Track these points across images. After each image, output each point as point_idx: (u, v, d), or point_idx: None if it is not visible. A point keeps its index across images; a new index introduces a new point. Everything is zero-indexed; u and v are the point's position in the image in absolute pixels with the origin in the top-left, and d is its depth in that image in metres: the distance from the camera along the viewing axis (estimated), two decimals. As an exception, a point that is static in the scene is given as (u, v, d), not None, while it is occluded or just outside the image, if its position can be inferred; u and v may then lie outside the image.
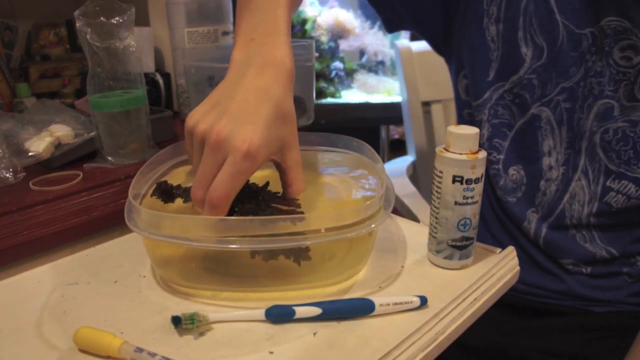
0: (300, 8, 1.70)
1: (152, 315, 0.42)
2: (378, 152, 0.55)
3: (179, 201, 0.48)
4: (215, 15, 0.99)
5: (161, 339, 0.39)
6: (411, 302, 0.42)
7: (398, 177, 1.35)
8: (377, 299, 0.41)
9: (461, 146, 0.45)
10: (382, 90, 1.70)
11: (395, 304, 0.42)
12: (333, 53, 1.73)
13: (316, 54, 1.69)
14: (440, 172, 0.46)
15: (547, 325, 0.67)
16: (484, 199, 0.73)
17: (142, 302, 0.44)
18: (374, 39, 1.76)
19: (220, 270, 0.46)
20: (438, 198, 0.47)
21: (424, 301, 0.42)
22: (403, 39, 1.56)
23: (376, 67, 1.77)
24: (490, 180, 0.72)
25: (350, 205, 0.50)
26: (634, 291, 0.66)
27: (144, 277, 0.48)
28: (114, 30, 0.72)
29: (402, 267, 0.49)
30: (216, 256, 0.46)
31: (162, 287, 0.46)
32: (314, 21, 1.72)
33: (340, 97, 1.69)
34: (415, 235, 0.55)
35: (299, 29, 1.69)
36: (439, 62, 0.86)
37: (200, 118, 0.43)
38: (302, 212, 0.44)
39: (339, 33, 1.74)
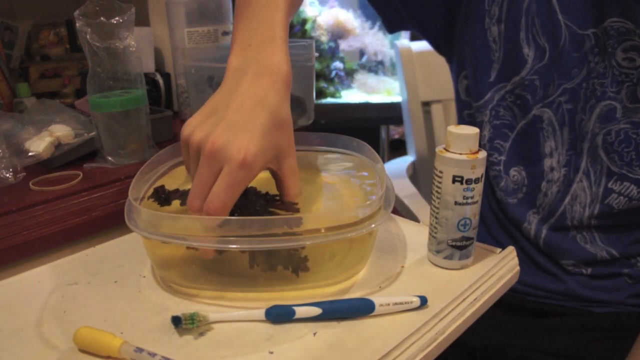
0: (300, 8, 1.70)
1: (152, 315, 0.42)
2: (378, 152, 0.55)
3: (175, 203, 0.48)
4: (215, 15, 0.99)
5: (161, 339, 0.39)
6: (411, 302, 0.42)
7: (398, 177, 1.35)
8: (377, 299, 0.41)
9: (461, 146, 0.45)
10: (382, 90, 1.70)
11: (395, 304, 0.42)
12: (333, 53, 1.73)
13: (316, 54, 1.68)
14: (440, 172, 0.46)
15: (547, 326, 0.67)
16: (484, 200, 0.73)
17: (142, 302, 0.44)
18: (374, 39, 1.76)
19: (220, 270, 0.46)
20: (438, 198, 0.47)
21: (424, 301, 0.42)
22: (403, 39, 1.56)
23: (376, 67, 1.77)
24: (490, 181, 0.72)
25: (350, 205, 0.50)
26: (634, 292, 0.66)
27: (144, 277, 0.48)
28: (114, 30, 0.72)
29: (402, 267, 0.49)
30: (216, 256, 0.46)
31: (162, 287, 0.46)
32: (314, 21, 1.72)
33: (340, 97, 1.69)
34: (415, 235, 0.55)
35: (299, 29, 1.69)
36: (439, 62, 0.86)
37: (195, 127, 0.43)
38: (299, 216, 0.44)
39: (339, 33, 1.74)
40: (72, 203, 0.66)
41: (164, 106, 1.08)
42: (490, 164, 0.71)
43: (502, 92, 0.68)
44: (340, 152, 0.61)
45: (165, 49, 1.17)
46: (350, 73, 1.74)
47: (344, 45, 1.75)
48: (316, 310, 0.41)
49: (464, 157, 0.45)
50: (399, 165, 1.43)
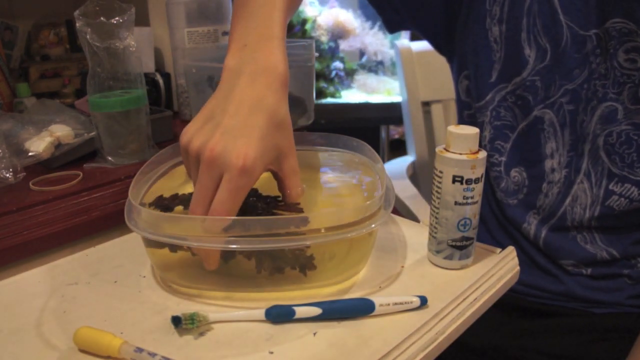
0: (300, 8, 1.70)
1: (152, 315, 0.42)
2: (378, 152, 0.55)
3: (178, 209, 0.47)
4: (215, 15, 0.99)
5: (161, 339, 0.39)
6: (411, 302, 0.42)
7: (398, 177, 1.35)
8: (377, 299, 0.41)
9: (461, 146, 0.45)
10: (382, 90, 1.70)
11: (395, 304, 0.42)
12: (333, 53, 1.73)
13: (316, 54, 1.68)
14: (440, 172, 0.46)
15: (547, 327, 0.67)
16: (483, 200, 0.73)
17: (142, 302, 0.44)
18: (374, 39, 1.76)
19: (221, 270, 0.46)
20: (438, 198, 0.47)
21: (424, 301, 0.42)
22: (403, 39, 1.56)
23: (376, 67, 1.77)
24: (490, 182, 0.72)
25: (350, 205, 0.50)
26: (634, 293, 0.66)
27: (144, 277, 0.48)
28: (114, 30, 0.72)
29: (402, 267, 0.49)
30: (221, 262, 0.46)
31: (162, 287, 0.46)
32: (314, 21, 1.72)
33: (340, 97, 1.69)
34: (415, 235, 0.55)
35: (299, 29, 1.69)
36: (439, 62, 0.86)
37: (194, 134, 0.43)
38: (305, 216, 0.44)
39: (339, 33, 1.74)
40: (72, 203, 0.66)
41: (164, 106, 1.08)
42: (490, 164, 0.71)
43: (503, 92, 0.68)
44: (341, 152, 0.61)
45: (165, 49, 1.17)
46: (350, 73, 1.74)
47: (344, 45, 1.75)
48: (316, 310, 0.41)
49: (464, 157, 0.45)
50: (399, 165, 1.43)
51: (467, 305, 0.44)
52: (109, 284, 0.47)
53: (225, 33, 1.01)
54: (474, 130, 0.45)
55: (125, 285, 0.47)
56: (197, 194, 0.41)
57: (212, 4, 0.98)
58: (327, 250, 0.46)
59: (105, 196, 0.69)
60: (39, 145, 0.73)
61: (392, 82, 1.72)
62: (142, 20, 1.15)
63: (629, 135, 0.61)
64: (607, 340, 0.64)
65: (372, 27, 1.77)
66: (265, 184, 0.49)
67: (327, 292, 0.45)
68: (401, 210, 1.21)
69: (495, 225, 0.74)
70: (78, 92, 1.11)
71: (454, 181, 0.45)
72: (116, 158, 0.76)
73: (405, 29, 0.84)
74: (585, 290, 0.67)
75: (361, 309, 0.41)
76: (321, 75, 1.69)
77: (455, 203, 0.46)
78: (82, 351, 0.38)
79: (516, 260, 0.51)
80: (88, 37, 0.70)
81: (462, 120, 0.78)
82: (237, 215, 0.42)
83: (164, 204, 0.47)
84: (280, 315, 0.41)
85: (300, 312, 0.41)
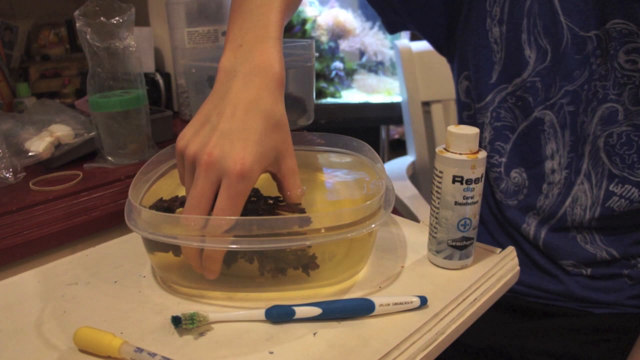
0: (300, 8, 1.70)
1: (152, 315, 0.42)
2: (378, 152, 0.55)
3: (179, 211, 0.47)
4: (215, 15, 0.99)
5: (161, 339, 0.39)
6: (411, 302, 0.42)
7: (398, 178, 1.35)
8: (377, 299, 0.41)
9: (461, 146, 0.45)
10: (382, 90, 1.70)
11: (395, 304, 0.42)
12: (333, 53, 1.73)
13: (316, 54, 1.69)
14: (440, 172, 0.46)
15: (547, 327, 0.67)
16: (483, 201, 0.73)
17: (142, 302, 0.44)
18: (374, 39, 1.76)
19: (221, 270, 0.46)
20: (438, 198, 0.47)
21: (424, 301, 0.42)
22: (403, 39, 1.56)
23: (376, 67, 1.77)
24: (490, 183, 0.72)
25: (350, 205, 0.50)
26: (634, 293, 0.66)
27: (144, 277, 0.48)
28: (114, 30, 0.72)
29: (402, 267, 0.49)
30: (224, 269, 0.46)
31: (162, 287, 0.46)
32: (314, 21, 1.72)
33: (340, 97, 1.69)
34: (415, 235, 0.55)
35: (299, 29, 1.69)
36: (439, 62, 0.86)
37: (190, 138, 0.42)
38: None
39: (339, 33, 1.74)
40: (72, 203, 0.66)
41: (164, 106, 1.08)
42: (490, 165, 0.71)
43: (504, 93, 0.68)
44: (340, 152, 0.61)
45: (165, 49, 1.17)
46: (350, 73, 1.74)
47: (344, 45, 1.75)
48: (316, 310, 0.41)
49: (464, 157, 0.45)
50: (399, 165, 1.43)
51: (467, 305, 0.44)
52: (109, 284, 0.47)
53: (225, 33, 1.01)
54: (474, 130, 0.45)
55: (125, 285, 0.47)
56: (193, 199, 0.40)
57: (212, 4, 0.98)
58: (327, 250, 0.46)
59: (105, 196, 0.69)
60: (39, 145, 0.73)
61: (392, 82, 1.72)
62: (142, 20, 1.15)
63: (629, 137, 0.61)
64: (607, 341, 0.64)
65: (372, 27, 1.77)
66: (267, 185, 0.49)
67: (327, 292, 0.45)
68: (401, 210, 1.21)
69: (495, 226, 0.74)
70: (78, 92, 1.11)
71: (454, 181, 0.45)
72: (116, 158, 0.76)
73: (406, 29, 0.84)
74: (585, 290, 0.67)
75: (361, 309, 0.41)
76: (321, 75, 1.69)
77: (456, 203, 0.46)
78: (82, 351, 0.38)
79: (516, 260, 0.51)
80: (88, 37, 0.70)
81: (462, 121, 0.78)
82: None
83: (164, 207, 0.47)
84: (280, 315, 0.41)
85: (300, 312, 0.41)
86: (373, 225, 0.42)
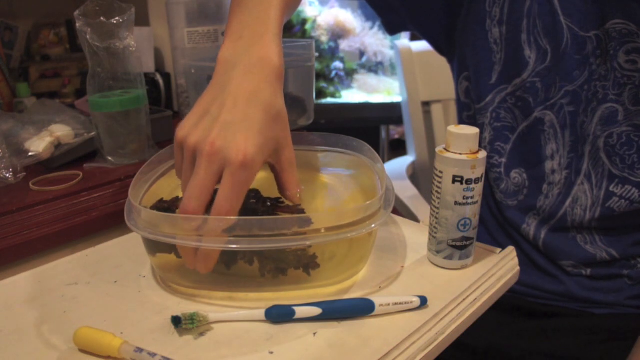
0: (300, 8, 1.70)
1: (152, 315, 0.42)
2: (378, 152, 0.55)
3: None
4: (215, 15, 0.99)
5: (161, 339, 0.39)
6: (411, 302, 0.42)
7: (398, 178, 1.35)
8: (377, 299, 0.41)
9: (461, 146, 0.45)
10: (382, 90, 1.70)
11: (395, 304, 0.42)
12: (333, 53, 1.73)
13: (316, 54, 1.69)
14: (440, 172, 0.46)
15: (547, 327, 0.67)
16: (483, 201, 0.73)
17: (142, 302, 0.44)
18: (374, 39, 1.76)
19: (221, 270, 0.46)
20: (438, 198, 0.47)
21: (424, 301, 0.42)
22: (403, 39, 1.56)
23: (376, 67, 1.77)
24: (490, 183, 0.72)
25: (350, 205, 0.50)
26: (634, 294, 0.66)
27: (144, 277, 0.48)
28: (114, 30, 0.72)
29: (402, 267, 0.49)
30: (223, 269, 0.46)
31: (162, 287, 0.46)
32: (314, 21, 1.72)
33: (340, 97, 1.69)
34: (415, 235, 0.55)
35: (299, 29, 1.69)
36: (439, 62, 0.86)
37: (190, 129, 0.42)
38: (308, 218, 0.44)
39: (339, 33, 1.74)
40: (72, 203, 0.66)
41: (164, 106, 1.08)
42: (490, 166, 0.71)
43: (503, 94, 0.68)
44: (340, 152, 0.61)
45: (165, 49, 1.17)
46: (350, 73, 1.74)
47: (344, 45, 1.75)
48: (316, 310, 0.41)
49: (464, 157, 0.45)
50: (399, 165, 1.43)
51: (467, 305, 0.44)
52: (109, 284, 0.47)
53: (224, 33, 1.01)
54: (474, 130, 0.45)
55: (125, 285, 0.47)
56: (192, 189, 0.40)
57: (212, 4, 0.98)
58: (327, 250, 0.46)
59: (105, 196, 0.69)
60: (39, 145, 0.73)
61: (392, 82, 1.72)
62: (142, 20, 1.15)
63: (629, 137, 0.61)
64: (607, 341, 0.64)
65: (372, 28, 1.77)
66: (266, 186, 0.49)
67: (327, 292, 0.45)
68: (401, 210, 1.21)
69: (494, 226, 0.74)
70: (78, 92, 1.11)
71: (454, 181, 0.45)
72: (116, 158, 0.76)
73: (406, 30, 0.84)
74: (585, 290, 0.67)
75: (361, 309, 0.41)
76: (321, 75, 1.69)
77: (455, 203, 0.46)
78: (82, 351, 0.38)
79: (516, 260, 0.51)
80: (88, 37, 0.70)
81: (462, 122, 0.78)
82: (237, 216, 0.42)
83: (165, 207, 0.47)
84: (280, 315, 0.41)
85: (300, 312, 0.41)
86: (373, 225, 0.42)
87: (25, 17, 1.16)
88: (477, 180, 0.45)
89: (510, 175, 0.70)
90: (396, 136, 2.02)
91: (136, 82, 0.76)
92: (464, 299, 0.44)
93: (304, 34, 1.69)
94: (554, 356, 0.64)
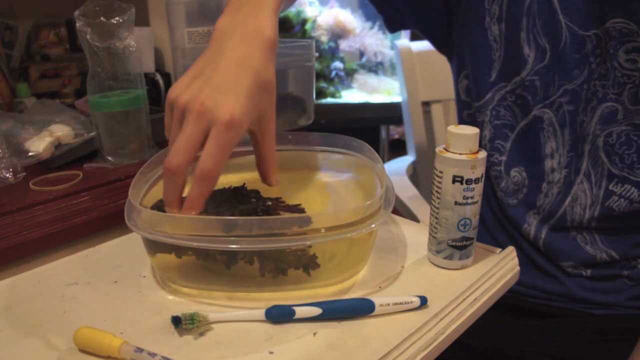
0: (300, 8, 1.70)
1: (152, 315, 0.42)
2: (378, 152, 0.55)
3: None
4: (215, 15, 0.99)
5: (161, 339, 0.39)
6: (411, 302, 0.42)
7: (398, 177, 1.35)
8: (377, 299, 0.41)
9: (461, 146, 0.45)
10: (382, 90, 1.70)
11: (395, 304, 0.42)
12: (333, 53, 1.73)
13: (316, 54, 1.69)
14: (440, 172, 0.46)
15: (547, 327, 0.67)
16: (484, 200, 0.73)
17: (142, 302, 0.44)
18: (374, 39, 1.76)
19: (221, 270, 0.46)
20: (438, 198, 0.47)
21: (424, 301, 0.42)
22: (403, 39, 1.56)
23: (376, 67, 1.77)
24: (491, 182, 0.72)
25: (350, 205, 0.50)
26: (634, 294, 0.66)
27: (144, 277, 0.48)
28: (114, 30, 0.72)
29: (402, 267, 0.49)
30: (220, 257, 0.46)
31: (162, 287, 0.46)
32: (314, 21, 1.72)
33: (340, 97, 1.69)
34: (415, 235, 0.55)
35: (299, 28, 1.69)
36: (439, 62, 0.86)
37: (182, 89, 0.44)
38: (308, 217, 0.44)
39: (339, 33, 1.74)
40: (72, 203, 0.66)
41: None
42: (490, 164, 0.71)
43: (503, 92, 0.68)
44: (340, 152, 0.61)
45: (165, 49, 1.17)
46: (350, 73, 1.74)
47: (344, 45, 1.75)
48: (316, 310, 0.41)
49: (464, 157, 0.45)
50: (399, 165, 1.43)
51: (467, 305, 0.44)
52: (109, 284, 0.47)
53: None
54: (474, 130, 0.45)
55: (125, 285, 0.47)
56: (179, 144, 0.41)
57: (212, 4, 0.98)
58: (327, 250, 0.46)
59: (105, 196, 0.69)
60: (39, 145, 0.73)
61: (392, 82, 1.72)
62: (142, 20, 1.15)
63: (628, 136, 0.61)
64: (607, 342, 0.64)
65: (372, 27, 1.77)
66: (266, 186, 0.49)
67: (327, 292, 0.45)
68: (401, 210, 1.21)
69: (495, 225, 0.74)
70: (78, 92, 1.11)
71: (454, 181, 0.45)
72: (116, 158, 0.76)
73: (406, 28, 0.84)
74: (585, 291, 0.67)
75: (361, 309, 0.41)
76: (321, 75, 1.69)
77: (455, 203, 0.46)
78: (82, 351, 0.38)
79: (516, 260, 0.51)
80: (88, 37, 0.70)
81: (462, 120, 0.78)
82: (237, 216, 0.42)
83: (164, 206, 0.47)
84: (280, 315, 0.41)
85: (300, 312, 0.41)
86: (373, 225, 0.42)
87: (25, 17, 1.16)
88: (477, 180, 0.45)
89: (510, 174, 0.70)
90: (396, 136, 2.02)
91: (136, 82, 0.76)
92: (464, 299, 0.44)
93: (304, 34, 1.69)
94: (554, 356, 0.64)
